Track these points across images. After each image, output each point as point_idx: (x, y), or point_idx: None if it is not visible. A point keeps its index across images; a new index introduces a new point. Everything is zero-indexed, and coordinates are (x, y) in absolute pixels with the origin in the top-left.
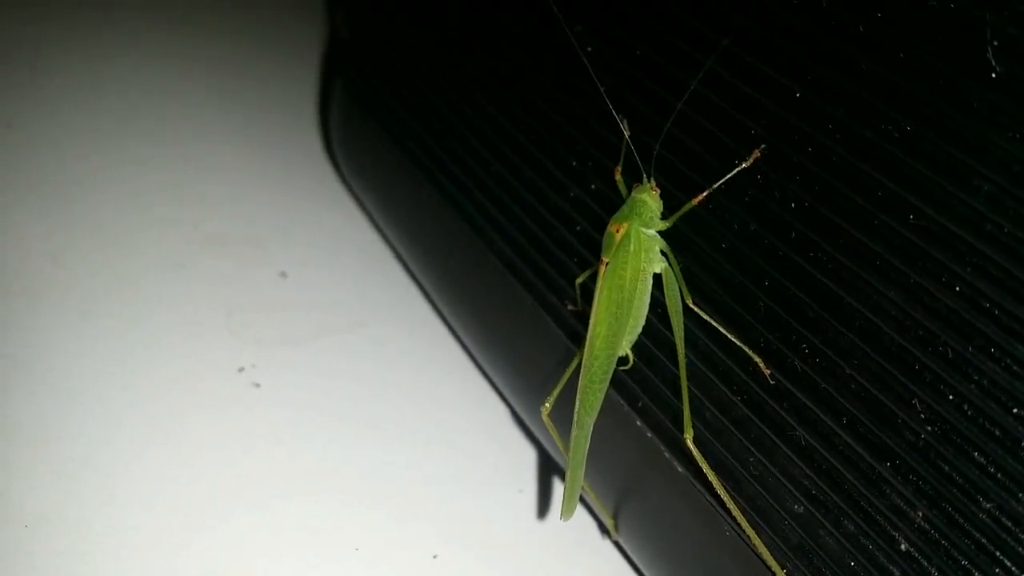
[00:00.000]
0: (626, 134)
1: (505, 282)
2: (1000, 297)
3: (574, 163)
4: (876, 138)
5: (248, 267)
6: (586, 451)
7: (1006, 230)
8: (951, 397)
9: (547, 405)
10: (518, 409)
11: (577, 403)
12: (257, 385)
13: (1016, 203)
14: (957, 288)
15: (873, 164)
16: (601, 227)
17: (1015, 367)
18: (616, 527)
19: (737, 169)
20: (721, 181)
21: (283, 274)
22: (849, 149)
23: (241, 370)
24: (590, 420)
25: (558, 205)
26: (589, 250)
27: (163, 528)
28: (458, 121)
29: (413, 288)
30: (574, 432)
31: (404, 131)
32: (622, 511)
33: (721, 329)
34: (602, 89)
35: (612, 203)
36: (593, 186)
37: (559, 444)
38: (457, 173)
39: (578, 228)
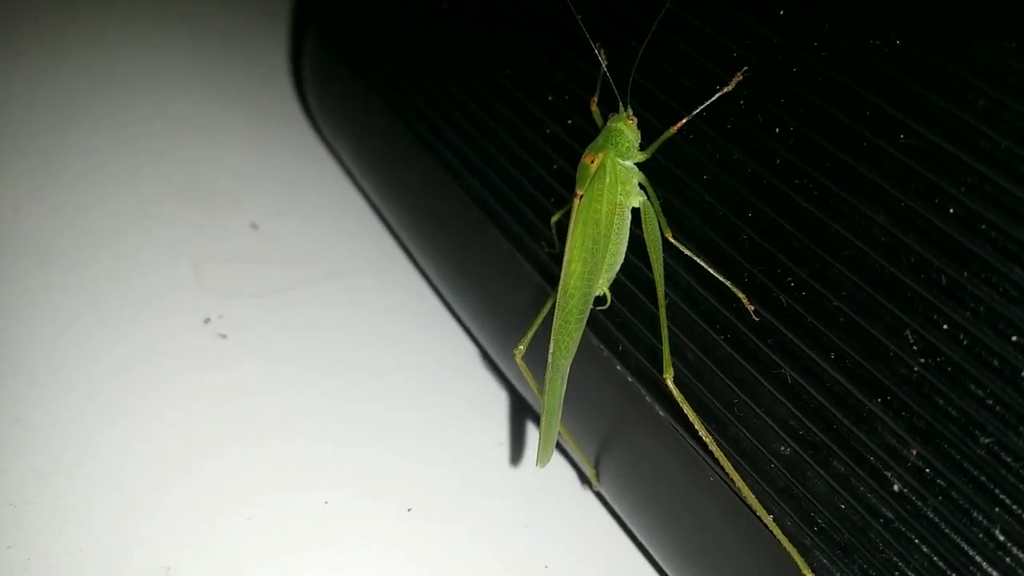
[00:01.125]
0: (603, 63)
1: (480, 224)
2: (997, 217)
3: (550, 97)
4: (864, 54)
5: (218, 218)
6: (562, 395)
7: (1003, 146)
8: (945, 327)
9: (521, 348)
10: (493, 354)
11: (552, 344)
12: (223, 336)
13: (1013, 116)
14: (951, 210)
15: (861, 82)
16: (577, 163)
17: (1013, 292)
18: (597, 476)
19: (718, 94)
20: (701, 107)
21: (254, 225)
22: (836, 67)
23: (207, 321)
24: (566, 362)
25: (534, 143)
26: (566, 189)
27: (129, 478)
28: (431, 61)
29: (388, 237)
30: (549, 375)
31: (376, 74)
32: (603, 460)
33: (703, 264)
34: (578, 17)
35: (589, 137)
36: (570, 121)
37: (534, 388)
38: (431, 114)
39: (555, 166)
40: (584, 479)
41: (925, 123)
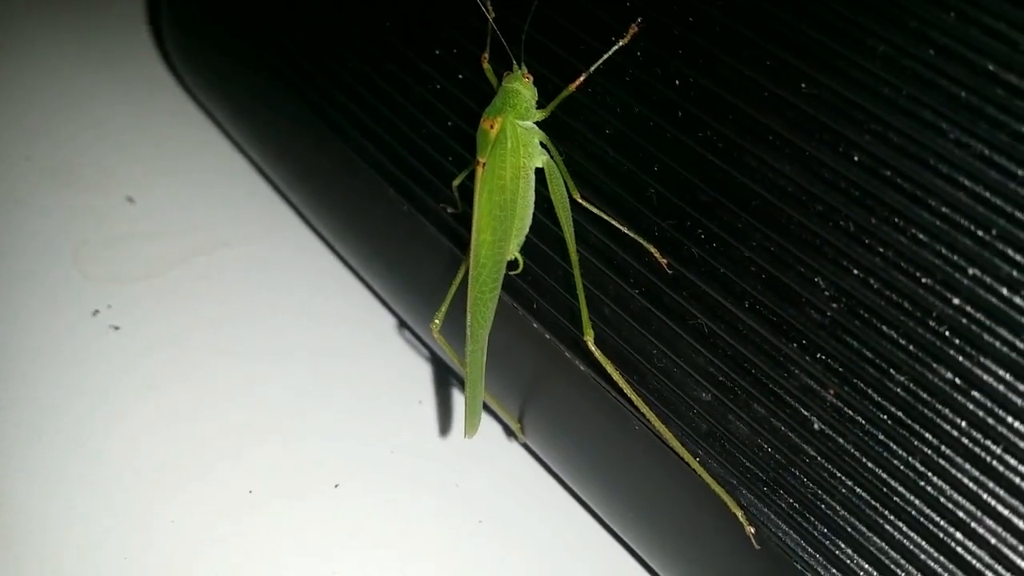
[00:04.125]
0: (490, 16)
1: (376, 185)
2: (901, 163)
3: (437, 51)
4: (761, 1)
5: (91, 196)
6: (484, 365)
7: (905, 92)
8: (855, 272)
9: (436, 321)
10: (408, 321)
11: (469, 316)
12: (116, 328)
13: (914, 63)
14: (855, 158)
15: (758, 30)
16: (473, 120)
17: (921, 235)
18: (522, 429)
19: (615, 48)
20: (599, 62)
21: (130, 199)
22: (732, 16)
23: (96, 313)
24: (484, 332)
25: (424, 98)
26: (463, 146)
27: (32, 486)
28: (306, 12)
29: (276, 198)
30: (469, 347)
31: (242, 23)
32: (527, 413)
33: (612, 221)
34: None
35: (483, 93)
36: (460, 76)
37: (455, 359)
38: (310, 70)
39: (449, 123)
40: (510, 432)
41: (826, 71)
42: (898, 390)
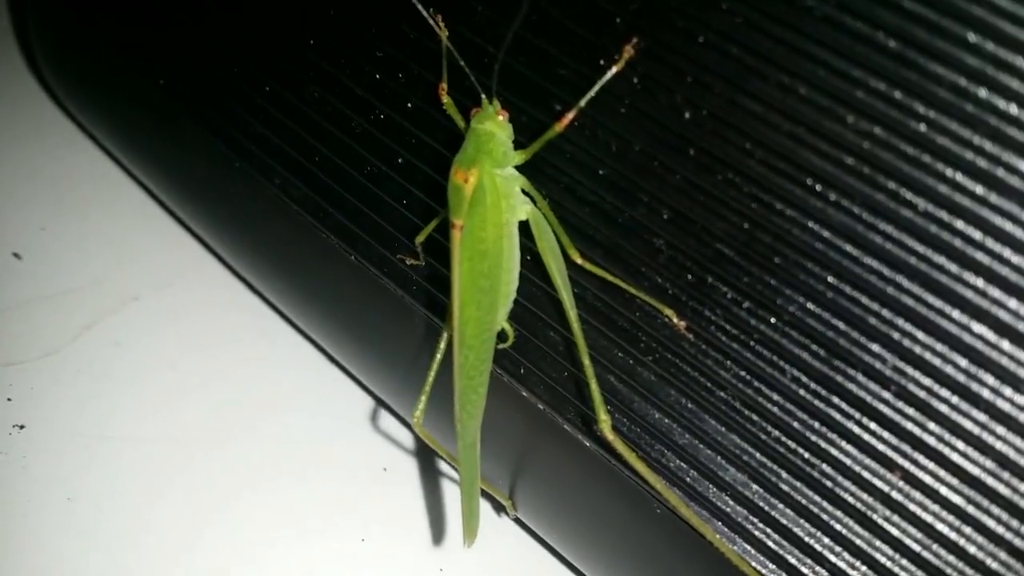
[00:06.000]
0: (443, 35)
1: (311, 232)
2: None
3: (378, 76)
4: (789, 16)
5: None
6: (478, 461)
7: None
8: (927, 340)
9: (418, 414)
10: (385, 400)
11: (457, 407)
12: (21, 427)
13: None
14: (921, 207)
15: (789, 49)
16: (429, 157)
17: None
18: (514, 505)
19: (608, 74)
20: (590, 94)
21: (16, 255)
22: (758, 31)
23: None
24: (475, 424)
25: (367, 131)
26: (418, 187)
27: None
28: (212, 29)
29: (189, 238)
30: (460, 445)
31: (136, 39)
32: (520, 489)
33: (616, 280)
34: None
35: (437, 123)
36: (409, 104)
37: (443, 454)
38: (218, 96)
39: (400, 160)
40: (499, 507)
41: (882, 99)
42: (974, 470)
